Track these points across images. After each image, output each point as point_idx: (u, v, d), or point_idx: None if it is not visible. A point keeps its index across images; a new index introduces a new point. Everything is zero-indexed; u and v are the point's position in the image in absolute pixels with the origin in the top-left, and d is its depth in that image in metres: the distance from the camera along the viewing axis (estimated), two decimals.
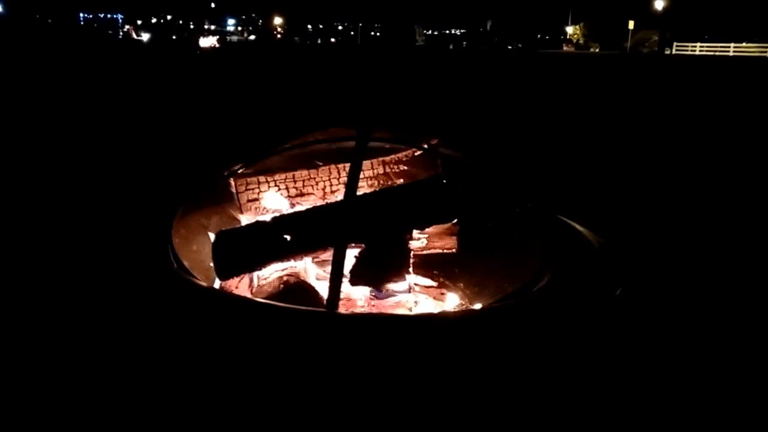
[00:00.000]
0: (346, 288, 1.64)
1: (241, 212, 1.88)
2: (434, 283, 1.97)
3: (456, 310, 1.80)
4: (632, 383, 1.62)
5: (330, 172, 1.88)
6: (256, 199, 1.88)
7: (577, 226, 1.92)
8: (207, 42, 34.49)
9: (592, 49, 48.21)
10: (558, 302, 1.50)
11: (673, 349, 1.81)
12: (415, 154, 1.92)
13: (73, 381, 1.55)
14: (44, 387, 1.54)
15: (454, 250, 1.93)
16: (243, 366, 1.38)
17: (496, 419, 1.40)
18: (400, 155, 1.93)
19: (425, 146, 1.83)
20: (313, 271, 1.78)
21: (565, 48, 49.23)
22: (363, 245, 1.64)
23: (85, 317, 1.78)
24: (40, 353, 1.67)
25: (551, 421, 1.44)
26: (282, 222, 1.65)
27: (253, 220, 1.82)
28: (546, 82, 13.66)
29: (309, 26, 71.10)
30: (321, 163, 1.89)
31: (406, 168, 1.92)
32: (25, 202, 3.21)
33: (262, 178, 1.88)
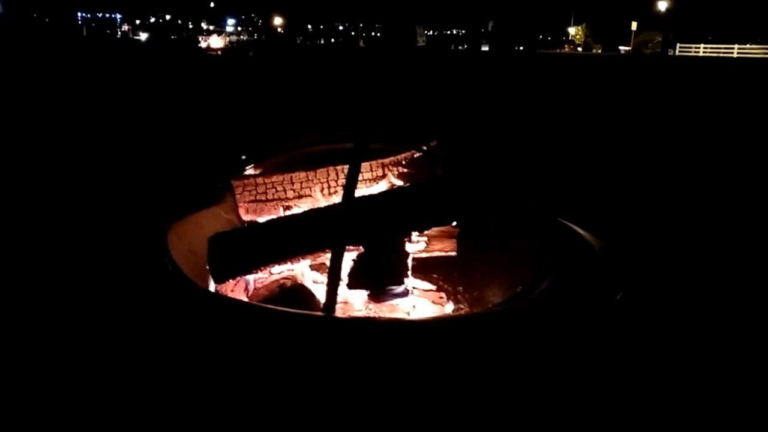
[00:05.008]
0: (343, 291, 1.63)
1: (239, 214, 1.87)
2: (433, 287, 1.95)
3: (455, 314, 1.79)
4: (633, 387, 1.60)
5: (328, 174, 1.86)
6: (254, 201, 1.87)
7: (578, 230, 1.90)
8: (217, 42, 33.42)
9: (594, 51, 48.16)
10: (558, 306, 1.48)
11: (673, 353, 1.80)
12: (415, 155, 1.90)
13: (68, 383, 1.54)
14: (41, 388, 1.53)
15: (453, 254, 1.91)
16: (239, 370, 1.36)
17: (496, 424, 1.39)
18: (399, 157, 1.91)
19: (424, 148, 1.81)
20: (310, 274, 1.76)
21: (566, 48, 49.24)
22: (361, 248, 1.62)
23: (80, 319, 1.76)
24: (36, 355, 1.66)
25: (551, 425, 1.43)
26: (279, 224, 1.63)
27: (250, 223, 1.81)
28: (547, 83, 13.64)
29: (309, 26, 71.06)
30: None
31: (405, 170, 1.90)
32: (24, 201, 3.21)
33: (260, 180, 1.86)
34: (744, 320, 2.05)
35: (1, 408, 1.48)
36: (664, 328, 1.94)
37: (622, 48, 43.51)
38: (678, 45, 40.63)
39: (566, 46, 51.39)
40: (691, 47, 40.67)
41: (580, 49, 49.47)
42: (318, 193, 1.87)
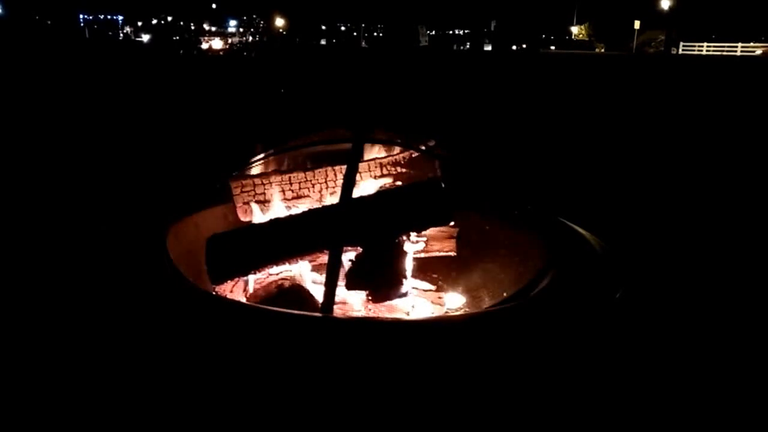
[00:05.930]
0: (342, 292, 1.62)
1: (237, 215, 1.86)
2: (432, 287, 1.95)
3: (454, 314, 1.78)
4: (632, 386, 1.60)
5: (327, 175, 1.86)
6: (253, 202, 1.86)
7: (578, 228, 1.90)
8: (218, 44, 33.15)
9: (597, 50, 48.10)
10: (558, 305, 1.47)
11: (673, 352, 1.79)
12: (413, 155, 1.90)
13: (67, 384, 1.54)
14: (39, 389, 1.53)
15: (452, 253, 1.91)
16: (236, 371, 1.36)
17: (496, 424, 1.38)
18: (397, 157, 1.91)
19: (423, 148, 1.81)
20: (308, 274, 1.76)
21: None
22: (359, 248, 1.62)
23: (78, 321, 1.76)
24: (34, 356, 1.66)
25: (551, 424, 1.42)
26: (277, 225, 1.63)
27: (248, 224, 1.81)
28: (549, 83, 13.63)
29: (311, 27, 71.06)
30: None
31: (403, 170, 1.89)
32: (23, 201, 3.21)
33: (257, 180, 1.85)
34: (744, 319, 2.04)
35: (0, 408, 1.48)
36: (664, 326, 1.93)
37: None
38: (681, 43, 40.52)
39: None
40: (694, 46, 40.58)
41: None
42: (316, 194, 1.86)
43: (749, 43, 38.63)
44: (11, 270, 2.28)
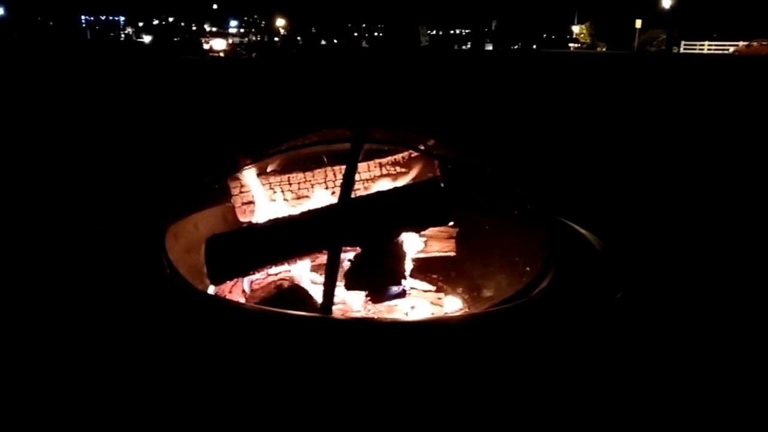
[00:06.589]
0: (341, 292, 1.62)
1: (236, 215, 1.86)
2: (432, 287, 1.94)
3: (454, 314, 1.78)
4: (632, 386, 1.59)
5: (326, 175, 1.86)
6: (251, 202, 1.86)
7: (578, 228, 1.89)
8: (219, 45, 32.43)
9: (599, 49, 48.17)
10: (558, 305, 1.47)
11: (673, 352, 1.79)
12: (412, 155, 1.89)
13: (65, 385, 1.53)
14: (37, 390, 1.53)
15: (452, 253, 1.90)
16: (235, 372, 1.36)
17: (496, 424, 1.38)
18: (396, 157, 1.90)
19: (422, 147, 1.80)
20: (307, 275, 1.76)
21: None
22: (358, 249, 1.62)
23: (76, 321, 1.76)
24: (32, 357, 1.66)
25: (551, 424, 1.42)
26: (276, 225, 1.62)
27: (247, 224, 1.80)
28: (549, 82, 13.61)
29: (312, 27, 71.14)
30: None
31: (402, 170, 1.89)
32: (21, 202, 3.22)
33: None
34: (744, 319, 2.04)
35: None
36: (664, 327, 1.93)
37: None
38: (683, 42, 40.51)
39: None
40: (695, 44, 40.57)
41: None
42: (315, 194, 1.86)
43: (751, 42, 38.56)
44: (11, 270, 2.28)
